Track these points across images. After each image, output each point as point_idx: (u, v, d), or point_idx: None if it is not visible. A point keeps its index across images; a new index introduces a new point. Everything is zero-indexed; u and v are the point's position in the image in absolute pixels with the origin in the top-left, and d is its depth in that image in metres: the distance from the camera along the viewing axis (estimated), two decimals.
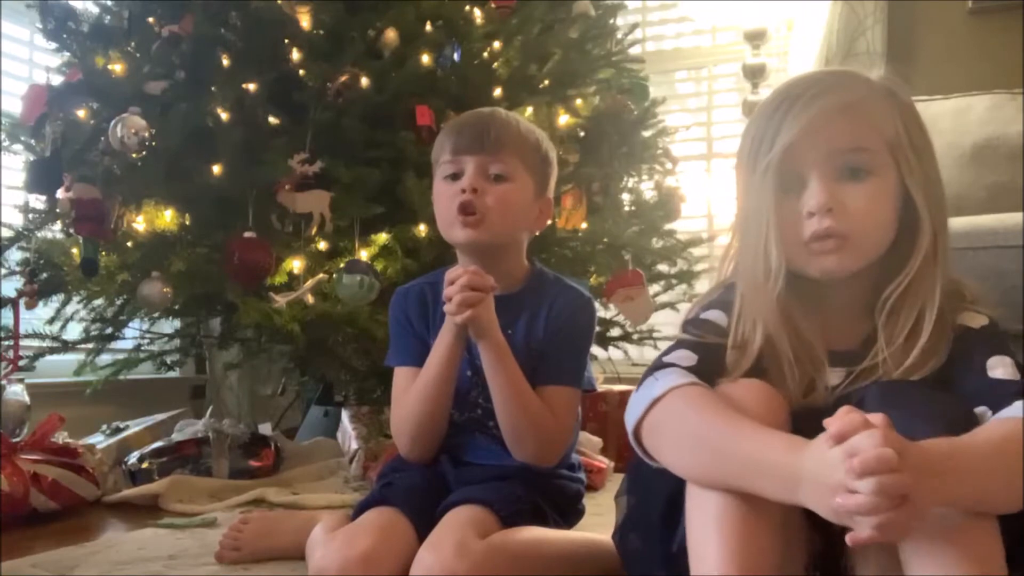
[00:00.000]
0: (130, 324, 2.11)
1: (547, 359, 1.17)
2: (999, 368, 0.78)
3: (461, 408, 1.19)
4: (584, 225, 1.93)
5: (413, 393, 1.16)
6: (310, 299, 1.66)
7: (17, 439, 1.57)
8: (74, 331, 2.02)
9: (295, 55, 1.74)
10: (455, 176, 1.17)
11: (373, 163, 1.72)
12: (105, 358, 2.12)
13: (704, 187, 3.01)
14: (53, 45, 1.87)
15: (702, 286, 2.38)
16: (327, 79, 1.70)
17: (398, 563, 1.01)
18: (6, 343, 1.76)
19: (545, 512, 1.13)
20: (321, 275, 1.67)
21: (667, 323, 2.28)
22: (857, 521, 0.64)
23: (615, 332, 2.25)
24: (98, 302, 1.97)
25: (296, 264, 1.67)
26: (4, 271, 1.86)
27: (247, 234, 1.62)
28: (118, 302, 1.97)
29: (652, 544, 0.87)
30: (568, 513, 1.21)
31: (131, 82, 1.72)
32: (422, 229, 1.72)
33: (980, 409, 0.76)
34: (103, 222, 1.63)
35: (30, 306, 1.78)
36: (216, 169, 1.68)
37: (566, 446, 1.20)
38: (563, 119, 1.95)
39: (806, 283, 0.85)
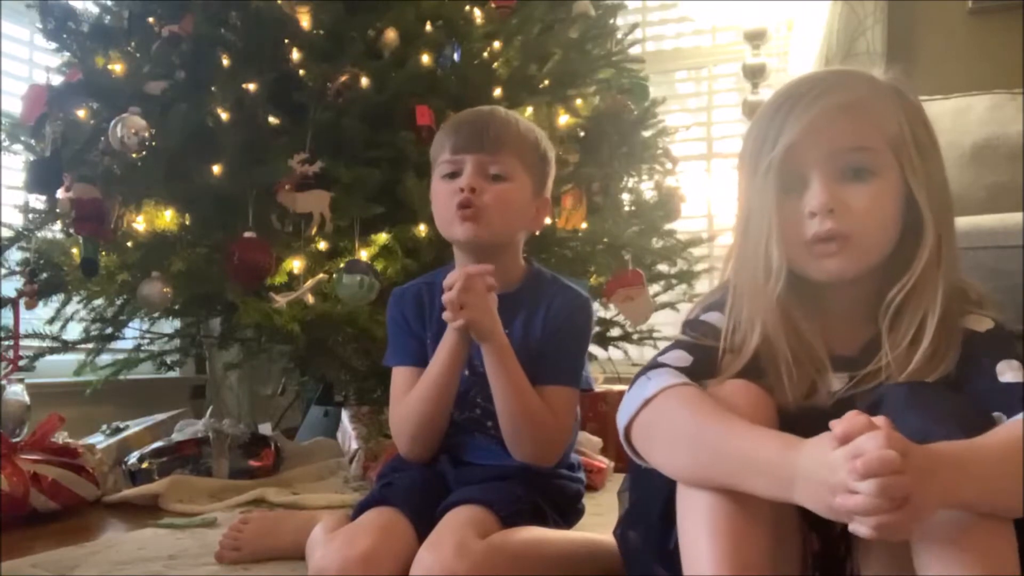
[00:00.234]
0: (130, 324, 2.11)
1: (545, 359, 1.17)
2: (1008, 373, 0.78)
3: (460, 408, 1.19)
4: (584, 225, 1.93)
5: (415, 393, 1.16)
6: (310, 299, 1.66)
7: (17, 439, 1.57)
8: (74, 331, 2.02)
9: (295, 55, 1.74)
10: (454, 175, 1.16)
11: (373, 163, 1.72)
12: (105, 358, 2.12)
13: (704, 187, 3.02)
14: (53, 45, 1.87)
15: (702, 286, 2.39)
16: (327, 79, 1.70)
17: (398, 563, 1.01)
18: (6, 343, 1.76)
19: (545, 512, 1.13)
20: (321, 275, 1.67)
21: (667, 323, 2.29)
22: (856, 520, 0.64)
23: (615, 332, 2.26)
24: (98, 302, 1.97)
25: (296, 264, 1.67)
26: (4, 271, 1.86)
27: (247, 234, 1.62)
28: (118, 302, 1.97)
29: (651, 541, 0.87)
30: (568, 513, 1.21)
31: (131, 82, 1.72)
32: (422, 229, 1.72)
33: (996, 415, 0.76)
34: (103, 222, 1.63)
35: (30, 306, 1.78)
36: (216, 169, 1.68)
37: (565, 446, 1.19)
38: (563, 119, 1.95)
39: (807, 285, 0.84)
